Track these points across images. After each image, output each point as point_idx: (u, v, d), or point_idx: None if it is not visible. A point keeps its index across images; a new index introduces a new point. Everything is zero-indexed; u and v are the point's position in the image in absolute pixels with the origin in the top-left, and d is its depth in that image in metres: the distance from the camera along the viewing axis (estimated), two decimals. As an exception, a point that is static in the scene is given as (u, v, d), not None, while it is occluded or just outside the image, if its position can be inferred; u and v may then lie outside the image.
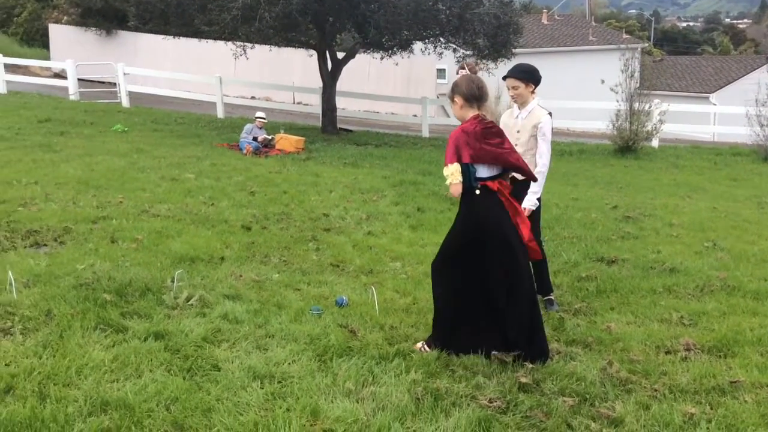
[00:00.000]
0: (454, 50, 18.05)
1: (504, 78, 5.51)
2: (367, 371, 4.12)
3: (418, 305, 5.36)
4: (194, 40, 21.20)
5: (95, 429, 3.32)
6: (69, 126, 14.90)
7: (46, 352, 4.08)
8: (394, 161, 13.32)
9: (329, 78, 18.18)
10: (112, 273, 5.45)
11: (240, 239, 7.00)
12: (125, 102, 21.02)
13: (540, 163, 5.40)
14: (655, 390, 4.03)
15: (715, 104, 30.89)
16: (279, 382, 3.93)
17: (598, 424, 3.64)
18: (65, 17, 31.54)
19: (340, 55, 18.39)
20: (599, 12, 74.87)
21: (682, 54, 58.35)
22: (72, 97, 21.03)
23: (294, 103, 24.88)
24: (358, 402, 3.74)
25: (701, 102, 32.10)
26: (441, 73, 27.63)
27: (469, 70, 4.53)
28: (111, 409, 3.50)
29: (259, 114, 14.76)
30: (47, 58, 29.59)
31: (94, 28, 29.60)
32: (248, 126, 14.40)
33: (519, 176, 5.48)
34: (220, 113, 20.34)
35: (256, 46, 18.31)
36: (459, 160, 4.25)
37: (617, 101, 16.47)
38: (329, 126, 18.35)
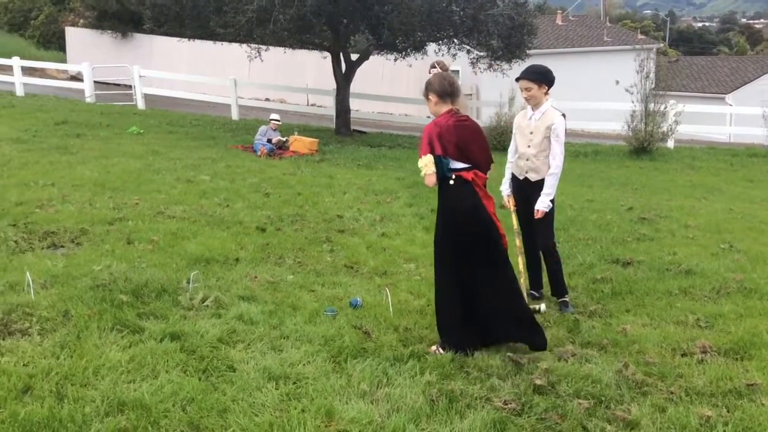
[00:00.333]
0: (468, 51, 18.02)
1: (517, 80, 5.50)
2: (381, 372, 4.13)
3: (432, 307, 5.34)
4: (209, 43, 21.32)
5: (112, 429, 3.34)
6: (85, 128, 15.01)
7: (63, 352, 4.12)
8: (408, 163, 13.32)
9: (343, 80, 18.21)
10: (128, 274, 5.49)
11: (255, 241, 7.03)
12: (141, 104, 21.15)
13: (553, 164, 5.39)
14: (671, 392, 4.01)
15: (731, 105, 30.64)
16: (294, 383, 3.94)
17: (614, 427, 3.62)
18: (81, 20, 31.80)
19: (354, 56, 18.40)
20: (614, 12, 74.51)
21: (698, 54, 57.96)
22: (88, 100, 21.18)
23: (308, 105, 24.94)
24: (372, 403, 3.74)
25: (717, 103, 31.85)
26: (455, 74, 27.59)
27: (441, 68, 4.70)
28: (128, 409, 3.52)
29: (273, 116, 14.81)
30: (64, 60, 29.82)
31: (110, 31, 29.82)
32: (263, 128, 14.45)
33: (532, 177, 5.49)
34: (235, 115, 20.42)
35: (271, 48, 18.37)
36: (432, 152, 4.43)
37: (632, 102, 16.37)
38: (343, 128, 18.37)
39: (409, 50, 17.52)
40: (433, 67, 4.74)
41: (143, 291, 5.20)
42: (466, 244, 4.52)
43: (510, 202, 5.70)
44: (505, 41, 16.57)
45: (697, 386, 4.08)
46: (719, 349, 4.65)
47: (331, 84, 19.10)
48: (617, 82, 17.72)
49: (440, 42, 17.51)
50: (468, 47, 18.03)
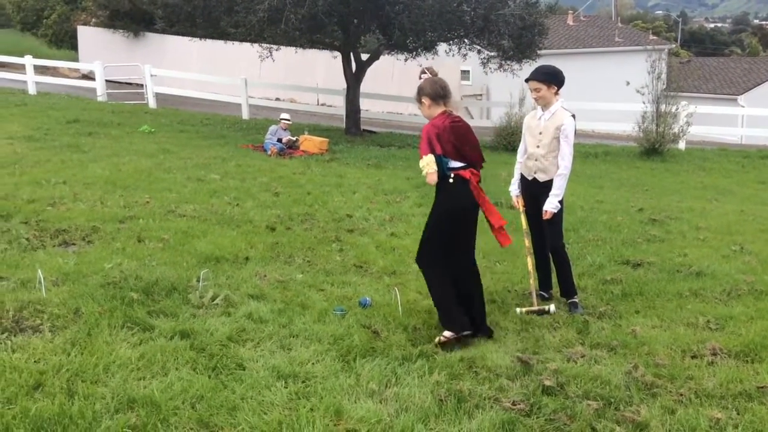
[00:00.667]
0: (479, 51, 17.99)
1: (526, 80, 5.50)
2: (390, 372, 4.13)
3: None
4: (220, 42, 21.38)
5: (122, 426, 3.36)
6: (97, 127, 15.08)
7: (74, 349, 4.15)
8: (417, 162, 13.29)
9: (353, 79, 18.22)
10: (138, 272, 5.52)
11: (264, 239, 7.05)
12: (152, 103, 21.23)
13: (562, 165, 5.39)
14: (681, 394, 3.99)
15: (743, 106, 30.44)
16: (303, 381, 3.96)
17: (623, 428, 3.61)
18: (94, 19, 31.92)
19: (365, 56, 18.41)
20: (625, 13, 74.22)
21: (710, 55, 57.65)
22: (100, 99, 21.28)
23: (318, 104, 24.96)
24: (381, 403, 3.75)
25: (729, 104, 31.69)
26: (465, 74, 27.54)
27: (431, 73, 4.83)
28: (138, 406, 3.54)
29: (283, 115, 14.84)
30: (76, 59, 29.97)
31: (121, 30, 29.93)
32: (273, 127, 14.48)
33: (541, 178, 5.48)
34: (245, 114, 20.46)
35: (282, 47, 18.40)
36: (432, 152, 4.63)
37: (643, 103, 16.30)
38: (353, 127, 18.38)
39: (419, 50, 17.49)
40: (423, 72, 4.96)
41: (153, 289, 5.22)
42: (460, 239, 4.78)
43: (519, 203, 5.71)
44: (515, 41, 16.54)
45: (707, 388, 4.06)
46: (729, 351, 4.63)
47: (342, 84, 19.11)
48: (628, 83, 17.65)
49: (451, 42, 17.49)
50: (479, 47, 18.00)
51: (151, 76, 21.44)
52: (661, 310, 5.51)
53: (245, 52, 22.10)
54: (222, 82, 22.49)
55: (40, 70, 23.72)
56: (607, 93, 25.96)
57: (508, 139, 16.16)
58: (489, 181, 11.72)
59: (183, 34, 22.71)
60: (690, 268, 6.61)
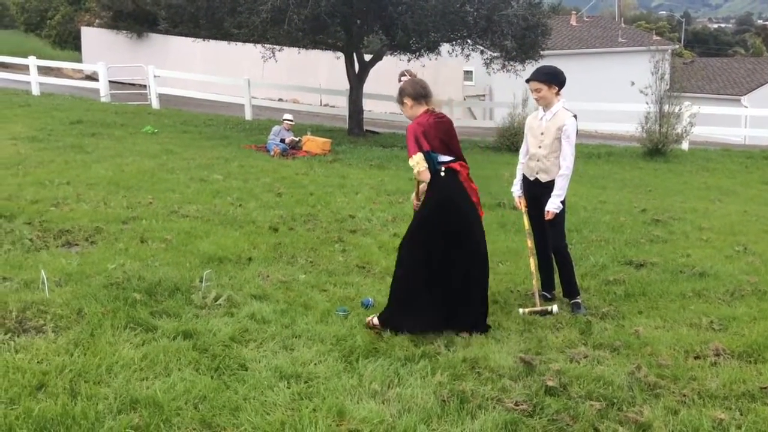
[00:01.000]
0: (482, 52, 17.99)
1: (527, 81, 5.51)
2: (392, 372, 4.13)
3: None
4: (223, 43, 21.39)
5: (125, 426, 3.37)
6: (100, 127, 15.10)
7: (77, 350, 4.15)
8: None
9: (356, 80, 18.22)
10: (141, 272, 5.53)
11: (267, 240, 7.05)
12: (155, 104, 21.26)
13: (563, 165, 5.38)
14: (684, 395, 3.98)
15: (746, 107, 30.39)
16: (305, 382, 3.96)
17: (626, 429, 3.61)
18: (97, 20, 31.98)
19: (367, 57, 18.42)
20: (629, 13, 74.14)
21: (714, 56, 57.56)
22: (103, 99, 21.31)
23: (321, 105, 24.97)
24: (383, 403, 3.75)
25: (733, 104, 31.64)
26: (468, 75, 27.54)
27: (410, 75, 5.03)
28: (140, 406, 3.55)
29: (286, 116, 14.85)
30: (79, 60, 30.02)
31: (125, 31, 29.97)
32: (276, 128, 14.49)
33: (543, 178, 5.48)
34: (248, 115, 20.48)
35: (284, 48, 18.41)
36: (420, 150, 4.73)
37: (647, 103, 16.28)
38: (356, 128, 18.39)
39: (422, 51, 17.51)
40: (402, 75, 5.06)
41: (156, 289, 5.23)
42: (450, 232, 4.80)
43: (521, 204, 5.71)
44: (518, 42, 16.53)
45: (710, 389, 4.06)
46: (733, 351, 4.62)
47: (344, 84, 19.12)
48: (632, 84, 17.60)
49: (454, 42, 17.50)
50: (482, 48, 18.01)
51: (155, 76, 21.46)
52: (664, 311, 5.50)
53: (248, 52, 22.11)
54: (225, 82, 22.52)
55: (43, 70, 23.77)
56: (610, 93, 25.93)
57: (511, 139, 16.15)
58: (492, 181, 11.76)
59: (186, 35, 22.76)
60: (693, 269, 6.60)
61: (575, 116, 5.44)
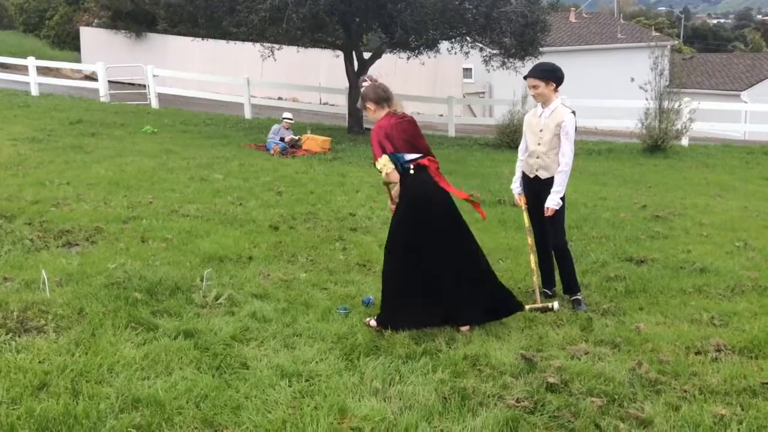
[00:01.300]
0: (481, 49, 17.98)
1: (525, 77, 5.51)
2: (393, 370, 4.14)
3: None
4: (222, 42, 21.41)
5: (127, 425, 3.37)
6: (100, 127, 15.10)
7: (78, 349, 4.15)
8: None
9: (355, 78, 18.20)
10: (142, 272, 5.54)
11: (267, 239, 7.06)
12: (154, 103, 21.25)
13: (563, 162, 5.38)
14: (685, 391, 3.99)
15: (746, 102, 30.38)
16: (307, 380, 3.96)
17: (627, 425, 3.61)
18: (96, 20, 31.97)
19: (367, 55, 18.41)
20: (628, 9, 74.07)
21: (713, 51, 57.51)
22: (102, 99, 21.31)
23: (320, 103, 24.97)
24: (385, 401, 3.75)
25: (732, 100, 31.60)
26: (467, 72, 27.54)
27: (371, 81, 5.12)
28: (142, 406, 3.55)
29: (286, 115, 14.84)
30: (78, 60, 30.01)
31: (124, 31, 29.96)
32: (275, 127, 14.49)
33: (542, 175, 5.48)
34: (248, 114, 20.48)
35: (283, 47, 18.41)
36: (384, 152, 4.83)
37: (646, 99, 16.28)
38: (355, 126, 18.39)
39: (421, 48, 17.50)
40: (364, 81, 5.14)
41: (157, 289, 5.23)
42: (430, 228, 4.84)
43: (521, 201, 5.71)
44: (518, 39, 16.53)
45: (711, 385, 4.06)
46: (733, 347, 4.62)
47: (344, 83, 19.12)
48: (632, 80, 17.60)
49: (453, 40, 17.50)
50: (481, 45, 18.00)
51: (154, 76, 21.45)
52: (665, 307, 5.51)
53: (247, 51, 22.13)
54: (224, 81, 22.52)
55: (42, 71, 23.75)
56: (609, 90, 25.95)
57: (511, 136, 16.15)
58: (492, 179, 11.75)
59: (185, 35, 22.78)
60: (693, 265, 6.60)
61: (574, 112, 5.44)
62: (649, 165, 14.62)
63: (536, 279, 5.64)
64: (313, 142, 14.36)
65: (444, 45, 18.17)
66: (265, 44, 17.60)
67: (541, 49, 17.48)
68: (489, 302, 4.95)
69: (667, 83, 16.73)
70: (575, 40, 34.40)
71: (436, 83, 25.86)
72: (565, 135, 5.35)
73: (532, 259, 5.70)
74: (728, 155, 16.27)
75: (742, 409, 3.79)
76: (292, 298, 5.34)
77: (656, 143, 16.12)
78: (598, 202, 9.89)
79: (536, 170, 5.52)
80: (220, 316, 4.86)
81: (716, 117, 19.70)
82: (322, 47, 19.96)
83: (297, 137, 14.39)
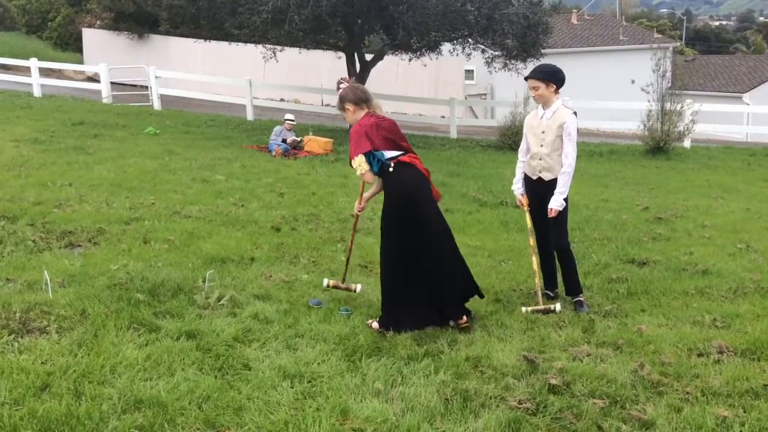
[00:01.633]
0: (483, 51, 17.98)
1: (525, 79, 5.52)
2: (396, 371, 4.14)
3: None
4: (224, 44, 21.42)
5: (129, 426, 3.37)
6: (102, 129, 15.11)
7: (81, 350, 4.16)
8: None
9: (357, 80, 18.21)
10: (144, 273, 5.54)
11: (269, 240, 7.06)
12: (157, 105, 21.26)
13: (565, 163, 5.38)
14: (687, 393, 3.98)
15: (748, 104, 30.37)
16: (309, 381, 3.96)
17: (629, 427, 3.61)
18: (98, 22, 32.04)
19: (368, 56, 18.42)
20: (630, 11, 74.08)
21: (715, 53, 57.49)
22: (105, 100, 21.32)
23: (322, 105, 24.98)
24: (387, 402, 3.76)
25: (734, 102, 31.58)
26: (469, 74, 27.55)
27: (347, 83, 5.18)
28: (144, 407, 3.55)
29: (288, 116, 14.84)
30: (81, 62, 30.04)
31: (126, 33, 30.01)
32: (277, 128, 14.49)
33: (546, 176, 5.48)
34: (250, 115, 20.48)
35: (285, 48, 18.42)
36: (361, 151, 4.85)
37: (648, 101, 16.27)
38: (358, 128, 18.37)
39: (423, 50, 17.51)
40: (340, 83, 5.20)
41: (159, 290, 5.24)
42: (420, 223, 4.85)
43: (524, 201, 5.70)
44: (519, 40, 16.53)
45: (713, 386, 4.06)
46: (736, 349, 4.62)
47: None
48: (633, 82, 17.61)
49: (455, 42, 17.50)
50: (483, 47, 18.00)
51: (156, 77, 21.47)
52: (667, 309, 5.50)
53: (249, 53, 22.15)
54: (226, 83, 22.53)
55: (45, 72, 23.77)
56: (611, 92, 25.94)
57: (513, 138, 16.13)
58: (494, 180, 11.74)
59: (187, 36, 22.80)
60: (696, 267, 6.60)
61: (575, 113, 5.45)
62: (651, 167, 14.61)
63: (538, 281, 5.63)
64: (314, 143, 14.36)
65: (446, 47, 18.17)
66: (267, 46, 17.61)
67: (543, 50, 17.48)
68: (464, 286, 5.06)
69: (669, 85, 16.72)
70: (577, 41, 34.40)
71: (438, 85, 25.87)
72: (568, 136, 5.35)
73: (534, 260, 5.70)
74: (730, 157, 16.25)
75: (745, 411, 3.79)
76: (294, 300, 5.35)
77: (658, 145, 16.10)
78: (600, 203, 9.89)
79: (539, 172, 5.52)
80: (222, 317, 4.87)
81: (718, 119, 19.68)
82: (324, 49, 19.99)
83: (299, 138, 14.39)
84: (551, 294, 5.78)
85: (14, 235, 6.63)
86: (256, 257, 6.44)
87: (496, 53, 17.66)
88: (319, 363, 4.21)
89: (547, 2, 17.47)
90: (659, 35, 40.45)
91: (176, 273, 5.65)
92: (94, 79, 25.44)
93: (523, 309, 5.38)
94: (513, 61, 17.34)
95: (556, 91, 5.43)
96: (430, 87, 25.86)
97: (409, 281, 4.86)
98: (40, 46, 33.29)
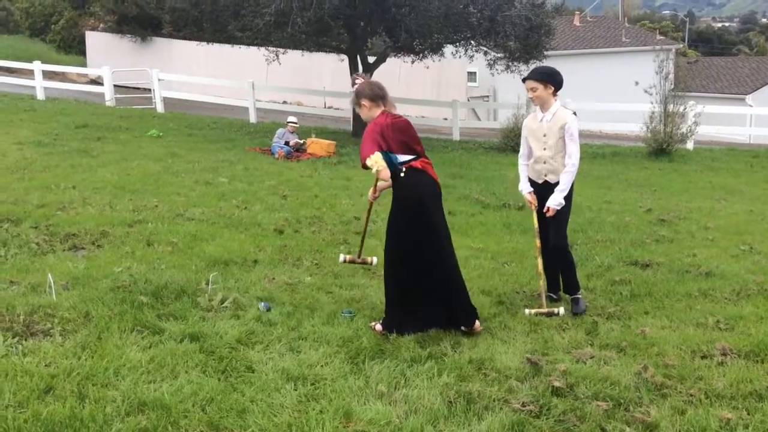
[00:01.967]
0: (485, 53, 17.99)
1: (523, 80, 5.51)
2: (399, 374, 4.14)
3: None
4: (227, 46, 21.43)
5: (133, 429, 3.38)
6: (105, 131, 15.14)
7: (84, 353, 4.17)
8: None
9: (360, 82, 18.24)
10: (148, 276, 5.55)
11: (272, 242, 7.07)
12: (160, 107, 21.30)
13: (569, 163, 5.37)
14: (691, 395, 3.98)
15: (751, 105, 30.31)
16: (312, 384, 3.97)
17: (633, 429, 3.61)
18: (101, 24, 32.08)
19: (371, 59, 18.43)
20: (632, 13, 73.98)
21: (718, 55, 57.41)
22: (108, 103, 21.36)
23: (325, 107, 25.00)
24: (390, 404, 3.76)
25: (737, 103, 31.53)
26: (472, 76, 27.55)
27: (363, 78, 5.08)
28: (148, 409, 3.56)
29: (290, 118, 14.87)
30: (84, 64, 30.09)
31: (129, 35, 30.06)
32: (280, 130, 14.51)
33: (552, 179, 5.47)
34: (253, 118, 20.51)
35: (288, 51, 18.44)
36: (379, 149, 4.71)
37: (651, 103, 16.25)
38: (360, 130, 18.30)
39: (426, 52, 17.52)
40: (356, 78, 5.11)
41: (163, 292, 5.25)
42: (429, 229, 4.81)
43: (532, 200, 5.62)
44: (522, 42, 16.53)
45: (717, 389, 4.05)
46: (739, 351, 4.61)
47: (348, 86, 19.04)
48: (636, 83, 17.57)
49: (457, 44, 17.50)
50: (485, 49, 18.00)
51: (159, 80, 21.52)
52: (671, 311, 5.49)
53: (252, 55, 22.17)
54: (229, 85, 22.56)
55: (48, 75, 23.80)
56: (614, 93, 25.89)
57: (515, 140, 16.10)
58: (496, 182, 11.73)
59: (190, 39, 22.83)
60: (699, 269, 6.59)
61: (575, 113, 5.45)
62: (654, 168, 14.59)
63: (542, 283, 5.63)
64: (317, 145, 14.38)
65: (448, 49, 18.17)
66: (269, 48, 17.64)
67: (545, 52, 17.48)
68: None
69: (672, 87, 16.71)
70: (580, 43, 34.37)
71: (441, 87, 25.88)
72: (570, 137, 5.35)
73: (539, 262, 5.68)
74: (733, 159, 16.23)
75: (748, 414, 3.78)
76: (297, 302, 5.35)
77: (661, 147, 16.08)
78: (603, 205, 9.88)
79: (545, 175, 5.50)
80: (226, 319, 4.87)
81: (721, 120, 19.66)
82: (326, 51, 19.99)
83: (302, 141, 14.40)
84: (555, 296, 5.77)
85: (18, 238, 6.65)
86: (259, 259, 6.45)
87: (499, 55, 17.66)
88: (322, 365, 4.21)
89: (549, 4, 17.48)
90: (662, 37, 40.40)
91: (179, 275, 5.66)
92: (97, 82, 25.46)
93: (527, 311, 5.37)
94: (516, 63, 17.34)
95: (554, 94, 5.42)
96: (432, 89, 25.86)
97: (414, 284, 4.84)
98: (43, 49, 33.36)
